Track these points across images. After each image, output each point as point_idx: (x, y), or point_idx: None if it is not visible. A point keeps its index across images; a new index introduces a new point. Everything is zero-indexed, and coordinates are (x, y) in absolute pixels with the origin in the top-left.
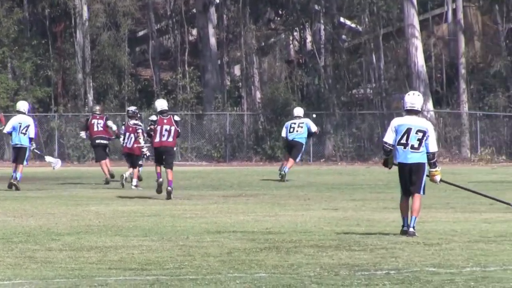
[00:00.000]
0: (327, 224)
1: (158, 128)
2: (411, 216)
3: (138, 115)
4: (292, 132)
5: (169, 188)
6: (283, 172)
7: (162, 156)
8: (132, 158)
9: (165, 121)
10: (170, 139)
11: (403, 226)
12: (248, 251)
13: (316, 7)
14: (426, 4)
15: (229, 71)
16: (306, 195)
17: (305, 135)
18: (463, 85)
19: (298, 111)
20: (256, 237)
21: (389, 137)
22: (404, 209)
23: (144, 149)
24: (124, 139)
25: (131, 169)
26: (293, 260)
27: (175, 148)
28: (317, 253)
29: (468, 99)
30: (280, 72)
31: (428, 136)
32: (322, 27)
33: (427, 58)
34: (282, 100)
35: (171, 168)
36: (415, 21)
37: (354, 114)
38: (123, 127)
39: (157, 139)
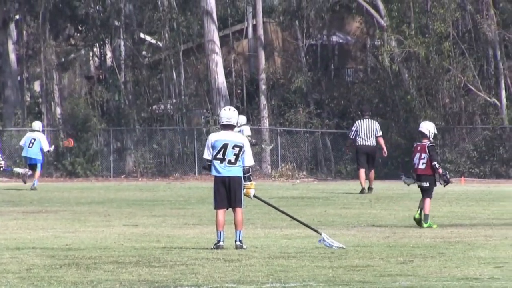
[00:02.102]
0: (127, 240)
1: None
2: (236, 231)
3: None
4: None
5: None
6: None
7: None
8: None
9: None
10: None
11: (218, 241)
12: (48, 267)
13: (116, 22)
14: (226, 20)
15: (29, 87)
16: (106, 211)
17: None
18: (263, 101)
19: (241, 119)
20: (56, 254)
21: (208, 154)
22: (220, 223)
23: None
24: None
25: None
26: (92, 276)
27: None
28: (116, 269)
29: (269, 114)
30: (80, 88)
31: (244, 150)
32: (122, 43)
33: (227, 74)
34: (82, 116)
35: None
36: (215, 37)
37: (155, 130)
38: None
39: None
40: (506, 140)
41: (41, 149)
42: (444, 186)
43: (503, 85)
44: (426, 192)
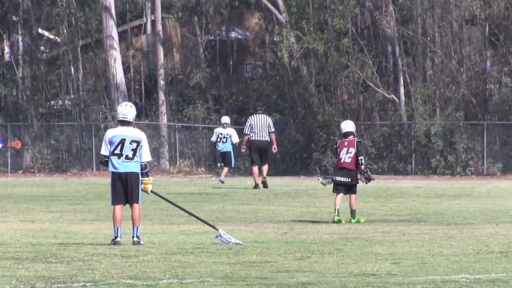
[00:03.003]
0: (24, 236)
1: None
2: (133, 227)
3: None
4: (224, 142)
5: None
6: (222, 180)
7: None
8: None
9: None
10: None
11: (116, 237)
12: None
13: (14, 18)
14: (125, 15)
15: None
16: (3, 207)
17: (230, 144)
18: (162, 97)
19: (226, 119)
20: None
21: (105, 150)
22: (117, 219)
23: None
24: None
25: None
26: None
27: None
28: (13, 266)
29: (167, 110)
30: None
31: (142, 146)
32: (20, 38)
33: (126, 70)
34: None
35: None
36: (114, 33)
37: (53, 125)
38: None
39: None
40: (404, 137)
41: None
42: (366, 183)
43: (401, 82)
44: (350, 188)
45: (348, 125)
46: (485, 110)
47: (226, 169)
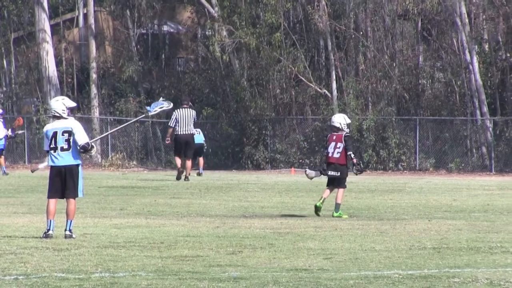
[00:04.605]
0: None
1: None
2: (67, 220)
3: None
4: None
5: None
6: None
7: None
8: None
9: None
10: None
11: (48, 230)
12: None
13: None
14: (57, 8)
15: None
16: None
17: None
18: (94, 90)
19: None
20: None
21: (45, 144)
22: (51, 212)
23: None
24: None
25: None
26: None
27: None
28: None
29: (99, 104)
30: None
31: (74, 133)
32: None
33: (58, 63)
34: None
35: None
36: (46, 26)
37: None
38: None
39: None
40: None
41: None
42: (357, 174)
43: (334, 76)
44: (339, 182)
45: (335, 119)
46: (418, 105)
47: (201, 161)
